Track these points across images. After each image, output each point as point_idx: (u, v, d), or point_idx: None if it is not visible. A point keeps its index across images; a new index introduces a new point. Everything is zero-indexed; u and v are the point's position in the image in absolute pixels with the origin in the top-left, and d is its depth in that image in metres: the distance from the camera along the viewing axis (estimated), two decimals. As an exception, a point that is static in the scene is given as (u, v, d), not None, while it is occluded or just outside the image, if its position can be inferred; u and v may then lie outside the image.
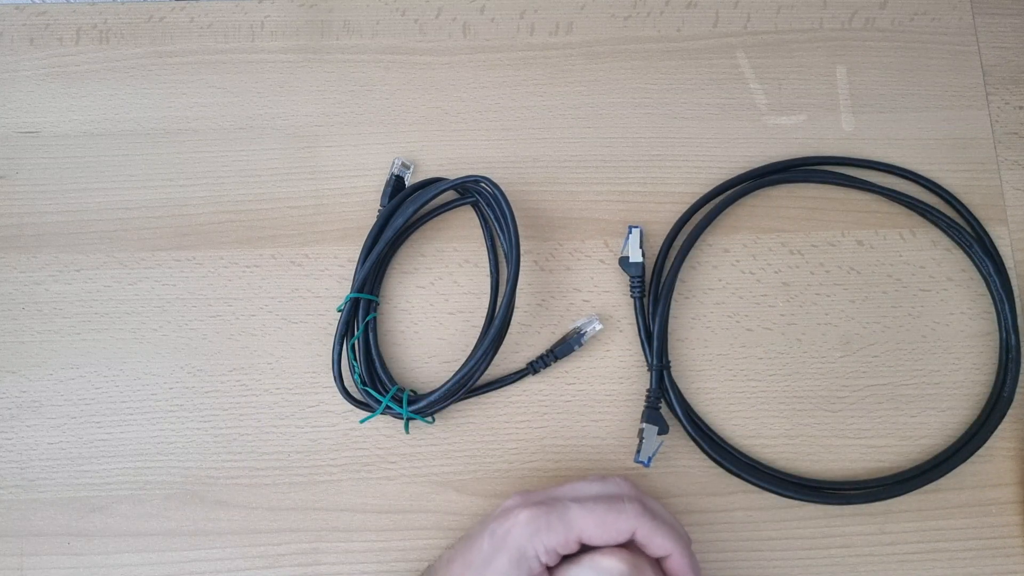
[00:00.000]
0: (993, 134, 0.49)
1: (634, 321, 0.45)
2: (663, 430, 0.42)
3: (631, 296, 0.45)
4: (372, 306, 0.43)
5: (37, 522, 0.42)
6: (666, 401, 0.43)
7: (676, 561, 0.35)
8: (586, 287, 0.46)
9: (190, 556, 0.41)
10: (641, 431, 0.42)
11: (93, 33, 0.49)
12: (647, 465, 0.41)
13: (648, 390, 0.43)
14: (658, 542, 0.35)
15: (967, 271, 0.47)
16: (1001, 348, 0.45)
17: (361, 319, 0.43)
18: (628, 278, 0.45)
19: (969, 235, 0.46)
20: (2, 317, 0.45)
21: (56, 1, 0.50)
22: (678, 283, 0.45)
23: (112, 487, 0.42)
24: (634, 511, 0.35)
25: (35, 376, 0.44)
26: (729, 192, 0.47)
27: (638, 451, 0.42)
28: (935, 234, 0.47)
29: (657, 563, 0.35)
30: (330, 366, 0.43)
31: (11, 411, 0.43)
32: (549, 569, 0.34)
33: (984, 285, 0.46)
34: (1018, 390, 0.44)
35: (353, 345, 0.42)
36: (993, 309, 0.46)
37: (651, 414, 0.42)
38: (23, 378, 0.44)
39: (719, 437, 0.43)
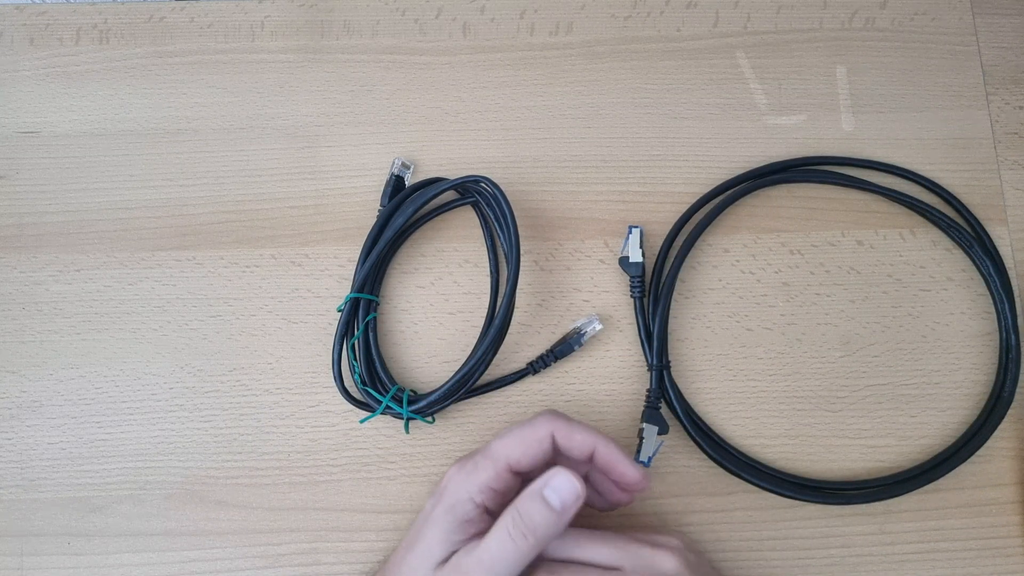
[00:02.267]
0: (993, 134, 0.49)
1: (634, 321, 0.45)
2: (663, 430, 0.42)
3: (631, 296, 0.45)
4: (372, 306, 0.43)
5: (37, 522, 0.42)
6: (666, 401, 0.43)
7: (602, 451, 0.36)
8: (586, 287, 0.46)
9: (190, 556, 0.41)
10: (641, 431, 0.42)
11: (93, 33, 0.49)
12: (647, 465, 0.41)
13: (648, 390, 0.43)
14: (578, 438, 0.35)
15: (967, 271, 0.47)
16: (1001, 348, 0.45)
17: (361, 319, 0.43)
18: (628, 278, 0.45)
19: (969, 235, 0.46)
20: (2, 317, 0.45)
21: (56, 1, 0.50)
22: (678, 283, 0.45)
23: (112, 487, 0.42)
24: (546, 418, 0.36)
25: (35, 376, 0.44)
26: (729, 192, 0.47)
27: (638, 451, 0.42)
28: (935, 234, 0.47)
29: None
30: (330, 366, 0.43)
31: (11, 411, 0.43)
32: (490, 513, 0.35)
33: (984, 285, 0.46)
34: (1018, 390, 0.44)
35: (353, 345, 0.42)
36: (993, 309, 0.46)
37: (651, 414, 0.42)
38: (23, 378, 0.44)
39: (719, 437, 0.43)
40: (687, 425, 0.42)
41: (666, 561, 0.35)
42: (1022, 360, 0.45)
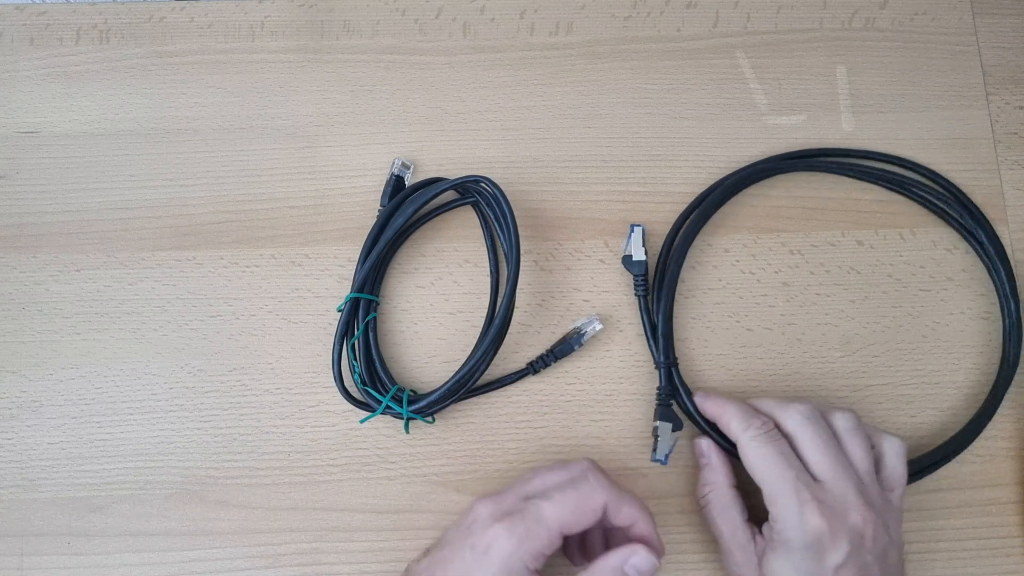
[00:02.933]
0: (993, 134, 0.49)
1: (634, 321, 0.45)
2: (677, 427, 0.42)
3: (635, 295, 0.45)
4: (372, 306, 0.43)
5: (37, 522, 0.42)
6: (675, 398, 0.43)
7: (642, 526, 0.36)
8: (586, 287, 0.46)
9: (190, 556, 0.41)
10: (655, 429, 0.42)
11: (93, 33, 0.49)
12: (664, 463, 0.41)
13: (658, 388, 0.43)
14: (626, 511, 0.36)
15: (967, 271, 0.47)
16: (1003, 310, 0.45)
17: (361, 319, 0.43)
18: (630, 277, 0.45)
19: (971, 224, 0.46)
20: (2, 317, 0.45)
21: (56, 1, 0.50)
22: (679, 283, 0.45)
23: (112, 487, 0.42)
24: (600, 486, 0.36)
25: (35, 376, 0.44)
26: (730, 182, 0.46)
27: (654, 449, 0.41)
28: (935, 234, 0.47)
29: None
30: (330, 366, 0.43)
31: (11, 411, 0.43)
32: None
33: (984, 285, 0.46)
34: (1017, 387, 0.44)
35: (353, 345, 0.42)
36: (996, 298, 0.46)
37: (664, 411, 0.42)
38: (23, 378, 0.44)
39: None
40: (700, 422, 0.42)
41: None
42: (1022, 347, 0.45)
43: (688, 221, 0.46)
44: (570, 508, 0.35)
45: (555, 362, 0.44)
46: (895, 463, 0.38)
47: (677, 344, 0.45)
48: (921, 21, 0.51)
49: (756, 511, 0.39)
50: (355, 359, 0.42)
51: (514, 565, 0.34)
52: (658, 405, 0.43)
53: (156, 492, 0.42)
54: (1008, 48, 0.50)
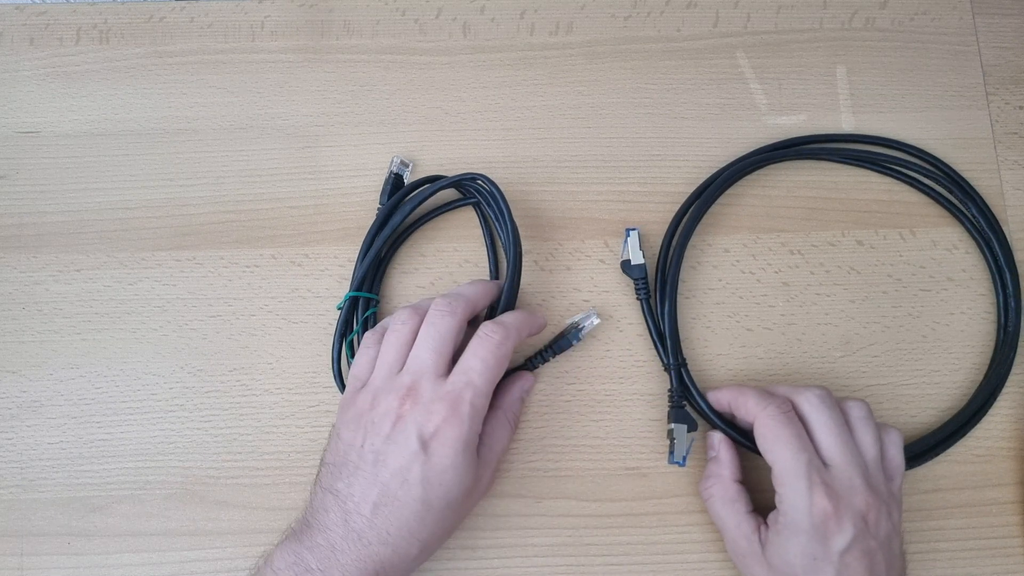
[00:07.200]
0: (993, 134, 0.49)
1: (633, 321, 0.45)
2: (692, 427, 0.42)
3: (637, 299, 0.44)
4: (372, 304, 0.43)
5: (37, 522, 0.42)
6: (688, 398, 0.43)
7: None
8: (586, 287, 0.46)
9: (190, 556, 0.41)
10: (670, 432, 0.42)
11: (93, 33, 0.49)
12: (682, 465, 0.41)
13: (670, 390, 0.43)
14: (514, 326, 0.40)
15: (967, 271, 0.47)
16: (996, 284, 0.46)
17: (360, 316, 0.43)
18: (631, 281, 0.45)
19: (962, 197, 0.47)
20: (2, 317, 0.45)
21: (56, 1, 0.50)
22: (679, 283, 0.45)
23: (112, 487, 0.42)
24: (505, 335, 0.38)
25: (35, 376, 0.44)
26: (727, 174, 0.46)
27: (671, 452, 0.41)
28: (935, 234, 0.47)
29: None
30: (330, 366, 0.43)
31: (11, 411, 0.43)
32: None
33: (984, 285, 0.46)
34: (1017, 388, 0.44)
35: (352, 341, 0.42)
36: (995, 297, 0.46)
37: (678, 413, 0.42)
38: (23, 378, 0.44)
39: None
40: (715, 419, 0.42)
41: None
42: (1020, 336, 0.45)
43: (686, 217, 0.46)
44: (493, 366, 0.37)
45: (553, 357, 0.44)
46: (893, 453, 0.39)
47: (677, 344, 0.45)
48: (921, 21, 0.51)
49: (760, 507, 0.39)
50: (354, 357, 0.42)
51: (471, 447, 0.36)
52: (671, 407, 0.42)
53: (156, 492, 0.42)
54: (1008, 48, 0.50)
